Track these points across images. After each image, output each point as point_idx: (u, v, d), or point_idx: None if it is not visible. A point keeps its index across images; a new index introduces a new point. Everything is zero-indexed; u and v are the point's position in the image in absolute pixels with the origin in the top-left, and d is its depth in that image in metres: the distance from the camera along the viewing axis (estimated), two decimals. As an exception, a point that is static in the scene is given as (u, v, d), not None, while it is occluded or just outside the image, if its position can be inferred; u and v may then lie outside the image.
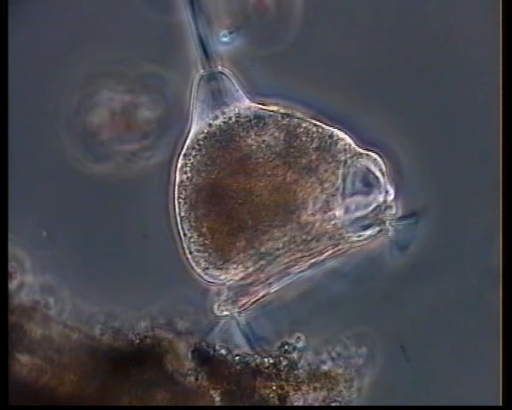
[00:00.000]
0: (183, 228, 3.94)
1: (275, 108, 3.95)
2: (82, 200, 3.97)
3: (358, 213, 3.92)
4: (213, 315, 3.95)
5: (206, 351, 3.94)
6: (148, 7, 3.95)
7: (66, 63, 3.98)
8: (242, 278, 3.95)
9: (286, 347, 3.96)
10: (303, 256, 3.95)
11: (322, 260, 3.95)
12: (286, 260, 3.94)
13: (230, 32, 3.97)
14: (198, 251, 3.94)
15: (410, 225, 3.94)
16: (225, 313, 3.95)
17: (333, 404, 3.95)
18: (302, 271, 3.96)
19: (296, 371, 3.95)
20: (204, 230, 3.93)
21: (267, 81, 3.96)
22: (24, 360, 3.88)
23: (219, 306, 3.95)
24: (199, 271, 3.94)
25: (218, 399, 3.93)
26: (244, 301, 3.95)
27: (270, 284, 3.96)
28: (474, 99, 3.95)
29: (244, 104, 3.96)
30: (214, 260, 3.93)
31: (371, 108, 3.96)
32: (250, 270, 3.94)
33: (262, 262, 3.94)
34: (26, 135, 3.96)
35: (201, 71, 3.96)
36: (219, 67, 3.96)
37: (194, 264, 3.94)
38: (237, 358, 3.94)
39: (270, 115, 3.94)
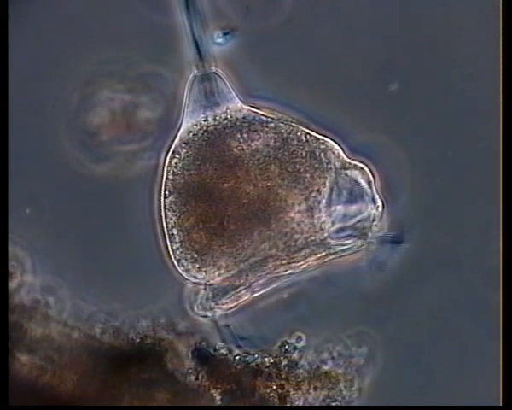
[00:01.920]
0: (166, 224, 3.95)
1: (267, 111, 3.95)
2: (81, 200, 3.98)
3: (342, 224, 3.92)
4: (193, 314, 3.96)
5: (206, 351, 3.94)
6: (145, 8, 3.95)
7: (65, 63, 3.98)
8: (223, 280, 3.95)
9: (286, 346, 3.96)
10: (286, 262, 3.95)
11: (305, 268, 3.95)
12: (269, 266, 3.94)
13: (225, 33, 3.98)
14: (179, 247, 3.93)
15: (393, 240, 3.94)
16: (206, 313, 3.94)
17: (333, 404, 3.96)
18: (285, 277, 3.97)
19: (296, 371, 3.95)
20: (186, 225, 3.93)
21: (260, 82, 3.97)
22: (24, 359, 3.88)
23: (199, 305, 3.95)
24: (180, 269, 3.95)
25: (218, 398, 3.93)
26: (225, 303, 3.95)
27: (253, 288, 3.96)
28: (473, 103, 3.96)
29: (236, 106, 3.96)
30: (194, 258, 3.93)
31: (365, 115, 3.97)
32: (231, 272, 3.94)
33: (243, 265, 3.93)
34: (25, 135, 3.97)
35: (195, 71, 3.96)
36: (213, 68, 3.97)
37: (176, 262, 3.95)
38: (237, 357, 3.94)
39: (262, 119, 3.94)
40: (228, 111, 3.95)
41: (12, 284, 3.95)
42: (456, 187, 3.98)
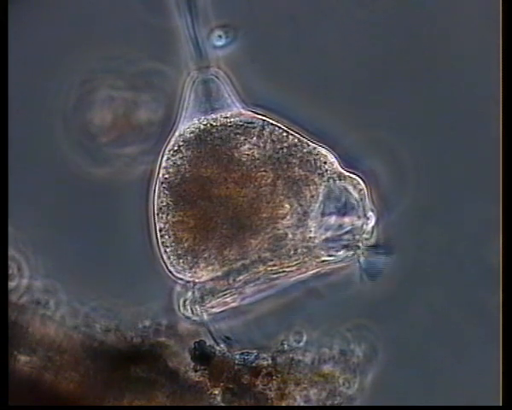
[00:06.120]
0: (158, 222, 3.95)
1: (265, 116, 3.95)
2: (81, 204, 3.99)
3: (333, 234, 3.92)
4: (179, 313, 3.96)
5: (206, 350, 3.94)
6: (145, 10, 3.96)
7: (65, 62, 3.98)
8: (211, 280, 3.95)
9: (286, 345, 3.96)
10: (276, 269, 3.95)
11: (296, 275, 3.95)
12: (258, 270, 3.94)
13: (226, 36, 3.98)
14: (169, 245, 3.94)
15: (382, 253, 3.94)
16: (191, 313, 3.95)
17: (333, 403, 3.95)
18: (276, 283, 3.97)
19: (297, 370, 3.95)
20: (178, 223, 3.94)
21: (260, 85, 3.98)
22: (24, 359, 3.88)
23: (184, 304, 3.95)
24: (170, 267, 3.95)
25: (218, 398, 3.93)
26: (211, 305, 3.95)
27: (241, 294, 3.96)
28: (472, 103, 3.97)
29: (235, 110, 3.96)
30: (184, 256, 3.93)
31: (363, 122, 3.98)
32: (219, 273, 3.94)
33: (231, 267, 3.93)
34: (25, 136, 3.97)
35: (195, 73, 3.96)
36: (213, 70, 3.97)
37: (166, 259, 3.95)
38: (237, 356, 3.94)
39: (260, 124, 3.95)
40: (226, 114, 3.95)
41: (12, 284, 3.95)
42: (456, 187, 3.98)
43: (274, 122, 3.94)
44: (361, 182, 3.94)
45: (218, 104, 3.96)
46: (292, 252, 3.93)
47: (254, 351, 3.96)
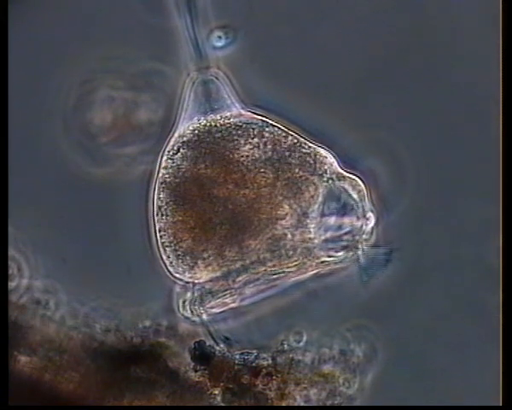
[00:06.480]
0: (158, 222, 3.95)
1: (265, 117, 3.95)
2: (81, 204, 3.98)
3: (332, 234, 3.92)
4: (178, 314, 3.96)
5: (206, 350, 3.94)
6: (145, 10, 3.96)
7: (65, 63, 3.98)
8: (210, 280, 3.95)
9: (286, 345, 3.96)
10: (275, 269, 3.95)
11: (296, 276, 3.95)
12: (257, 271, 3.94)
13: (226, 36, 3.98)
14: (168, 244, 3.94)
15: (381, 255, 3.94)
16: (191, 313, 3.94)
17: (333, 403, 3.95)
18: (275, 284, 3.97)
19: (297, 370, 3.95)
20: (177, 223, 3.93)
21: (260, 86, 3.97)
22: (24, 360, 3.89)
23: (184, 305, 3.95)
24: (169, 267, 3.95)
25: (218, 398, 3.93)
26: (211, 306, 3.95)
27: (241, 294, 3.96)
28: (472, 103, 3.97)
29: (235, 111, 3.96)
30: (183, 256, 3.93)
31: (362, 122, 3.97)
32: (218, 273, 3.94)
33: (231, 268, 3.93)
34: (25, 136, 3.97)
35: (195, 73, 3.96)
36: (213, 71, 3.97)
37: (165, 259, 3.95)
38: (237, 356, 3.94)
39: (260, 125, 3.94)
40: (226, 115, 3.95)
41: (12, 284, 3.95)
42: (456, 187, 3.98)
43: (273, 123, 3.95)
44: (360, 182, 3.94)
45: (217, 105, 3.96)
46: (291, 253, 3.93)
47: (254, 351, 3.96)
